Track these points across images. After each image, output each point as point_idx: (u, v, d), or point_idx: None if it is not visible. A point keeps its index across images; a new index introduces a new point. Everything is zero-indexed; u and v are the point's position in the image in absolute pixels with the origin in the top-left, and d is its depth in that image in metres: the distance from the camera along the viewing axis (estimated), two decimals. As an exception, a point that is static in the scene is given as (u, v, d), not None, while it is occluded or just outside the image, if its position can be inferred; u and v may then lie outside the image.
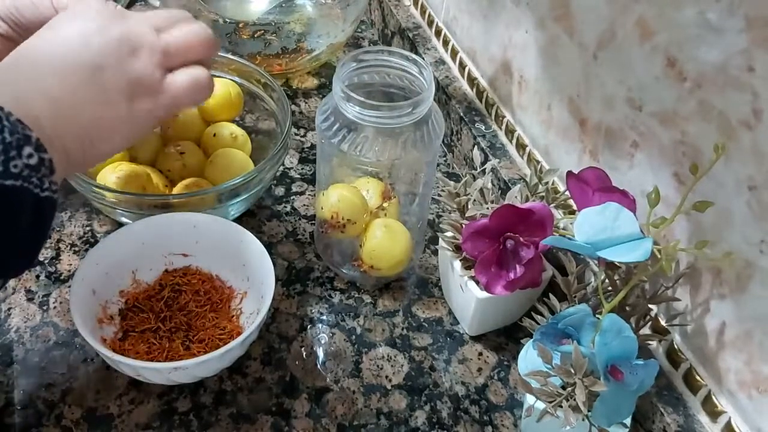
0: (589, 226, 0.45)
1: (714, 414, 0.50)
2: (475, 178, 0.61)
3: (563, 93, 0.63)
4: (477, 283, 0.57)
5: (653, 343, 0.55)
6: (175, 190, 0.66)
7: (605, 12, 0.55)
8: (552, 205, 0.58)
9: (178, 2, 0.82)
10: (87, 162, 0.45)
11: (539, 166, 0.66)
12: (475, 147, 0.73)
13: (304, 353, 0.60)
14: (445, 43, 0.85)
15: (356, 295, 0.65)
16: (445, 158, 0.81)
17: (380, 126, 0.56)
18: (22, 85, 0.40)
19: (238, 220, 0.68)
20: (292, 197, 0.74)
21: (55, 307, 0.60)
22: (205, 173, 0.68)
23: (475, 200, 0.59)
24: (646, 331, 0.55)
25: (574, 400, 0.45)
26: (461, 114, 0.76)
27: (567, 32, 0.60)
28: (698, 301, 0.50)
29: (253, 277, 0.59)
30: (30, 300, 0.61)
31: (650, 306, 0.54)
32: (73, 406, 0.54)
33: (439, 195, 0.64)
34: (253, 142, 0.73)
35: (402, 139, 0.57)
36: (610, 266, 0.51)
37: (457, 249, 0.59)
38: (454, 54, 0.83)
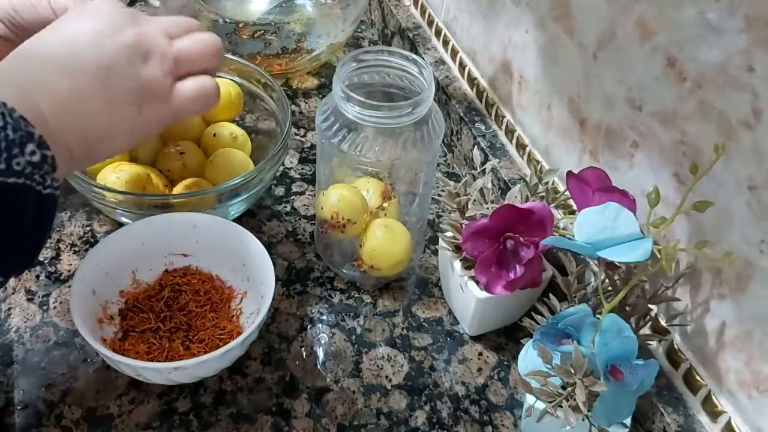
0: (589, 226, 0.45)
1: (714, 414, 0.50)
2: (475, 178, 0.61)
3: (563, 93, 0.63)
4: (477, 283, 0.57)
5: (653, 343, 0.55)
6: (175, 190, 0.66)
7: (605, 12, 0.55)
8: (552, 205, 0.58)
9: (178, 2, 0.82)
10: (89, 161, 0.45)
11: (539, 166, 0.66)
12: (475, 147, 0.73)
13: (304, 353, 0.60)
14: (445, 43, 0.85)
15: (356, 295, 0.65)
16: (445, 158, 0.81)
17: (380, 126, 0.56)
18: (27, 82, 0.40)
19: (238, 220, 0.68)
20: (292, 197, 0.74)
21: (55, 307, 0.60)
22: (205, 173, 0.68)
23: (475, 200, 0.59)
24: (646, 331, 0.55)
25: (574, 400, 0.45)
26: (461, 114, 0.76)
27: (567, 32, 0.60)
28: (698, 301, 0.50)
29: (253, 277, 0.59)
30: (30, 300, 0.61)
31: (650, 306, 0.54)
32: (73, 406, 0.54)
33: (439, 195, 0.64)
34: (253, 142, 0.73)
35: (402, 139, 0.57)
36: (610, 266, 0.51)
37: (457, 249, 0.59)
38: (454, 54, 0.83)
